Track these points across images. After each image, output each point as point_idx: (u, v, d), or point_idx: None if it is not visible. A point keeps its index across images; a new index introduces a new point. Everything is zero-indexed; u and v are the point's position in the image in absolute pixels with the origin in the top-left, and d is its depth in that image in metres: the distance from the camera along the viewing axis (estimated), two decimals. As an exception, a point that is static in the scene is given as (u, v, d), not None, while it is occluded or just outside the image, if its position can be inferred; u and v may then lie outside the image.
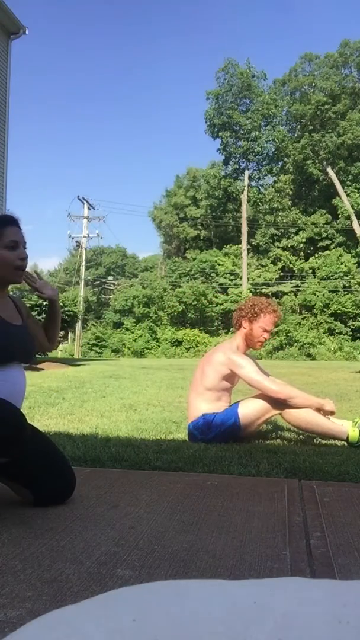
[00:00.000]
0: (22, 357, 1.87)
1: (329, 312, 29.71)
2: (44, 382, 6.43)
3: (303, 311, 30.83)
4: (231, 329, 30.74)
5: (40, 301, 12.07)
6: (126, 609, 0.42)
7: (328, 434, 2.93)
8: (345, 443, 2.90)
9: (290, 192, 34.04)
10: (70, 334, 29.16)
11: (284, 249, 33.57)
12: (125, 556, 1.39)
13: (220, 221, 35.11)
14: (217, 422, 2.90)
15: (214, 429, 2.89)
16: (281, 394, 2.88)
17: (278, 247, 33.61)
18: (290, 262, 33.15)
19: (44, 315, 12.14)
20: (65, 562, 1.35)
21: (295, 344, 26.79)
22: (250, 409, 2.92)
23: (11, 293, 2.14)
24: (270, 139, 33.99)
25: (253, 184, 34.77)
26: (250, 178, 34.33)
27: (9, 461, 1.68)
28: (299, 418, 2.90)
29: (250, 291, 31.78)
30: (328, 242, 32.95)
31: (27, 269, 1.95)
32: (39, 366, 10.06)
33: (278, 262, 33.39)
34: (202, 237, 36.13)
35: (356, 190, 32.58)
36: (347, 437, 2.89)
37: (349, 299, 29.86)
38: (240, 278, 32.67)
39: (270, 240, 33.76)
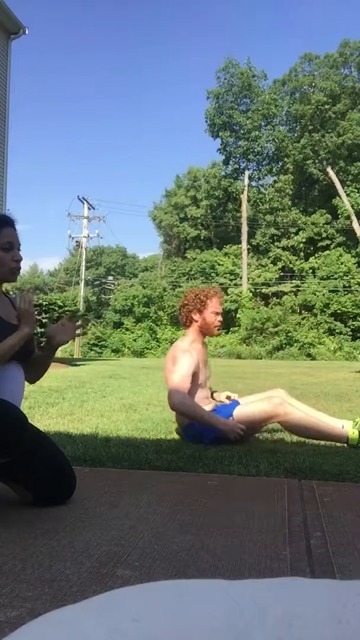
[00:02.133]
0: (20, 356, 1.87)
1: (329, 312, 29.70)
2: (44, 382, 6.43)
3: (303, 311, 30.82)
4: (231, 329, 30.77)
5: (40, 301, 12.08)
6: (126, 609, 0.42)
7: (329, 437, 2.91)
8: (346, 444, 2.90)
9: (290, 192, 34.05)
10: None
11: (284, 249, 33.57)
12: (125, 556, 1.39)
13: (220, 221, 35.12)
14: (208, 430, 2.86)
15: (206, 437, 2.87)
16: (173, 404, 2.84)
17: (278, 247, 33.61)
18: (290, 262, 33.15)
19: (43, 315, 12.14)
20: (65, 562, 1.35)
21: (295, 344, 26.78)
22: (244, 416, 2.89)
23: (11, 293, 2.14)
24: (270, 139, 34.01)
25: (253, 184, 34.79)
26: (250, 178, 34.34)
27: (9, 461, 1.68)
28: (298, 425, 2.88)
29: (250, 291, 31.79)
30: (328, 242, 32.95)
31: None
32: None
33: (278, 262, 33.40)
34: (202, 237, 36.13)
35: (356, 190, 32.58)
36: (348, 439, 2.88)
37: (349, 299, 29.86)
38: (240, 278, 32.67)
39: (270, 240, 33.77)
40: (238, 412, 2.92)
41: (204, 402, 2.98)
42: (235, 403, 3.04)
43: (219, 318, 3.05)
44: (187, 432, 2.94)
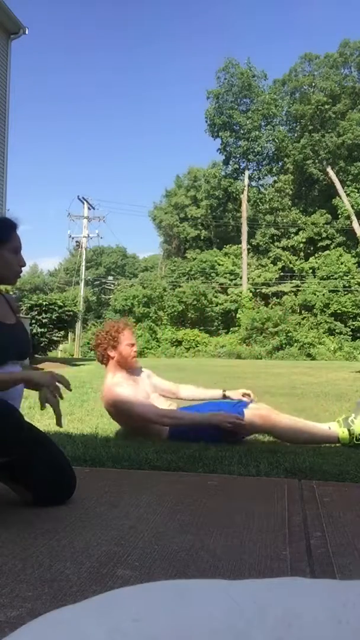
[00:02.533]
0: (18, 355, 1.87)
1: (329, 312, 29.69)
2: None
3: (303, 311, 30.81)
4: (231, 329, 30.77)
5: (40, 301, 12.09)
6: (126, 609, 0.42)
7: (320, 440, 2.92)
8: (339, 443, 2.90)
9: (290, 192, 34.04)
10: (70, 334, 29.12)
11: (284, 249, 33.57)
12: (125, 556, 1.39)
13: (220, 221, 35.11)
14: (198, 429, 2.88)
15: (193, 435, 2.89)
16: (170, 425, 2.89)
17: (278, 247, 33.60)
18: (290, 262, 33.14)
19: (43, 315, 12.15)
20: (65, 562, 1.35)
21: (295, 344, 26.76)
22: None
23: (10, 293, 2.14)
24: (270, 139, 33.99)
25: (253, 184, 34.77)
26: (250, 178, 34.33)
27: (9, 461, 1.68)
28: (287, 434, 2.90)
29: (250, 291, 31.78)
30: (328, 242, 32.94)
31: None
32: (38, 366, 10.05)
33: (278, 262, 33.39)
34: (202, 237, 36.13)
35: (356, 190, 32.57)
36: (338, 439, 2.88)
37: (349, 299, 29.85)
38: (240, 278, 32.67)
39: (270, 240, 33.76)
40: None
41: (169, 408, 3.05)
42: (245, 403, 3.05)
43: (134, 349, 3.13)
44: (173, 434, 2.95)
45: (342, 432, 2.88)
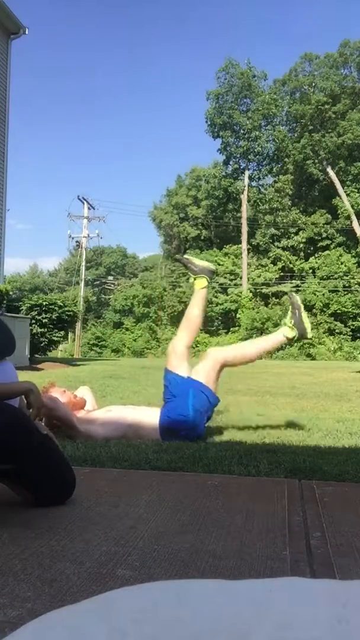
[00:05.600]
0: (8, 352, 1.88)
1: (329, 312, 29.71)
2: (44, 382, 6.43)
3: (303, 311, 30.81)
4: (231, 329, 30.78)
5: (40, 301, 12.09)
6: (126, 609, 0.42)
7: (273, 347, 3.23)
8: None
9: (290, 192, 34.04)
10: (70, 334, 29.14)
11: (284, 249, 33.57)
12: (125, 556, 1.39)
13: (220, 221, 35.11)
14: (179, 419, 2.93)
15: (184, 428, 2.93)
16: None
17: (278, 247, 33.61)
18: (290, 262, 33.15)
19: (43, 315, 12.15)
20: (65, 562, 1.35)
21: (295, 343, 26.74)
22: (202, 375, 3.02)
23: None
24: (271, 139, 34.00)
25: (253, 184, 34.78)
26: (250, 178, 34.33)
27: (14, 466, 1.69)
28: (246, 355, 3.18)
29: (250, 291, 31.77)
30: (328, 242, 32.94)
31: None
32: (38, 366, 10.06)
33: (278, 262, 33.39)
34: (202, 237, 36.13)
35: (356, 190, 32.57)
36: (287, 338, 3.15)
37: (349, 299, 29.87)
38: (240, 278, 32.67)
39: (270, 240, 33.76)
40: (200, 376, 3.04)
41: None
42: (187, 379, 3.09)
43: (68, 394, 3.14)
44: (163, 435, 2.97)
45: (291, 331, 3.13)
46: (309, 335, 3.14)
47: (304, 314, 3.15)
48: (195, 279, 3.31)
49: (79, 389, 3.42)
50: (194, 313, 3.25)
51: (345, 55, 33.56)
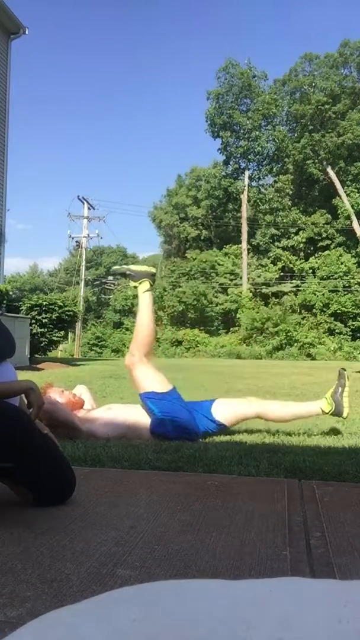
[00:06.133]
0: (9, 353, 1.88)
1: (329, 312, 29.71)
2: (43, 382, 6.43)
3: (303, 311, 30.83)
4: (231, 329, 30.78)
5: (40, 301, 12.09)
6: (126, 609, 0.42)
7: (305, 416, 3.23)
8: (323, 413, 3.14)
9: (290, 192, 34.05)
10: (70, 334, 29.14)
11: (284, 249, 33.58)
12: (125, 556, 1.39)
13: (220, 221, 35.12)
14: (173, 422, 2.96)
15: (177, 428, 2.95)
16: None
17: (278, 247, 33.62)
18: (290, 262, 33.16)
19: (43, 315, 12.14)
20: (65, 562, 1.35)
21: (295, 344, 26.77)
22: (227, 410, 3.05)
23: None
24: (271, 139, 34.01)
25: (253, 184, 34.79)
26: (250, 178, 34.34)
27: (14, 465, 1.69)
28: (278, 416, 3.14)
29: (250, 291, 31.77)
30: (328, 242, 32.96)
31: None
32: (39, 366, 10.06)
33: (278, 262, 33.40)
34: (202, 237, 36.14)
35: (356, 190, 32.58)
36: (322, 411, 3.12)
37: (349, 299, 29.86)
38: (240, 278, 32.68)
39: (270, 240, 33.77)
40: (220, 407, 3.05)
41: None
42: (212, 401, 3.11)
43: (66, 394, 3.15)
44: (154, 433, 2.98)
45: (327, 405, 3.11)
46: (345, 415, 3.11)
47: (346, 393, 3.13)
48: (138, 285, 3.34)
49: (76, 388, 3.42)
50: (144, 320, 3.28)
51: (345, 55, 33.57)
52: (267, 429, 3.34)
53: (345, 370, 3.33)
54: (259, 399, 3.30)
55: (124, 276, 3.44)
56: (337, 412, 3.09)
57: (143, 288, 3.31)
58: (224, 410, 3.05)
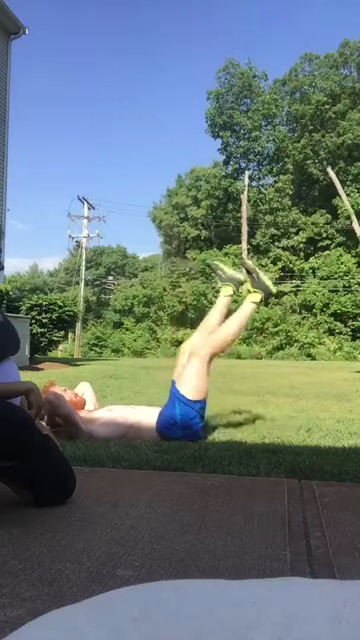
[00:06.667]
0: (12, 351, 1.89)
1: (329, 312, 29.69)
2: (44, 382, 6.43)
3: (303, 311, 30.82)
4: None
5: (40, 301, 12.09)
6: (126, 609, 0.42)
7: (247, 318, 3.22)
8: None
9: (290, 192, 34.03)
10: (70, 334, 29.15)
11: (284, 249, 33.56)
12: (125, 556, 1.39)
13: (220, 221, 35.11)
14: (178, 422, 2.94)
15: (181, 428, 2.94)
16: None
17: (278, 247, 33.59)
18: (290, 262, 33.14)
19: (43, 315, 12.14)
20: (65, 562, 1.35)
21: (295, 344, 26.77)
22: (191, 385, 2.98)
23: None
24: (271, 139, 33.99)
25: (253, 184, 34.77)
26: (250, 178, 34.33)
27: (13, 465, 1.69)
28: (229, 339, 3.14)
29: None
30: (328, 242, 32.93)
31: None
32: (39, 366, 10.06)
33: (278, 262, 33.37)
34: (202, 237, 36.13)
35: (356, 190, 32.56)
36: (256, 303, 3.20)
37: (349, 299, 29.85)
38: (240, 278, 32.64)
39: (270, 240, 33.75)
40: (186, 383, 2.99)
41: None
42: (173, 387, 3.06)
43: (68, 393, 3.13)
44: (163, 433, 2.97)
45: (254, 295, 3.19)
46: (273, 290, 3.22)
47: (261, 273, 3.23)
48: (221, 286, 3.36)
49: (79, 385, 3.42)
50: (212, 320, 3.29)
51: (345, 55, 33.54)
52: (267, 429, 3.34)
53: (248, 259, 3.48)
54: (197, 344, 3.09)
55: (214, 272, 3.50)
56: (267, 294, 3.19)
57: (225, 292, 3.34)
58: (187, 384, 2.97)
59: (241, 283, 3.38)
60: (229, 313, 3.31)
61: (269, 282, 3.19)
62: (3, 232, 12.71)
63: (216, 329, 3.21)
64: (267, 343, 26.88)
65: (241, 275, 3.40)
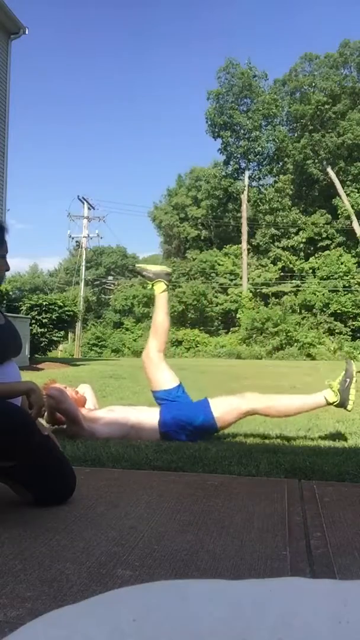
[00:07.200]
0: (14, 352, 1.89)
1: (329, 312, 29.70)
2: (47, 379, 6.43)
3: (303, 311, 30.82)
4: (231, 329, 30.77)
5: (40, 301, 12.09)
6: (126, 609, 0.42)
7: (311, 408, 3.11)
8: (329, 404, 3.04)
9: (290, 192, 34.03)
10: (70, 334, 29.15)
11: (284, 249, 33.56)
12: (125, 556, 1.39)
13: (220, 221, 35.11)
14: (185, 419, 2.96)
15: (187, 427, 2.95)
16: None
17: (278, 247, 33.60)
18: (290, 262, 33.14)
19: (43, 315, 12.13)
20: (65, 562, 1.35)
21: (295, 343, 26.76)
22: (226, 409, 2.98)
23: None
24: (271, 139, 33.99)
25: (253, 184, 34.77)
26: (250, 178, 34.33)
27: (12, 465, 1.69)
28: (281, 411, 3.04)
29: (250, 291, 31.77)
30: (328, 242, 32.94)
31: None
32: (39, 366, 10.06)
33: (278, 262, 33.38)
34: (202, 237, 36.13)
35: (356, 190, 32.57)
36: (327, 401, 3.02)
37: (349, 299, 29.86)
38: (240, 278, 32.67)
39: (270, 240, 33.75)
40: (217, 406, 3.00)
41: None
42: (205, 400, 3.07)
43: (69, 390, 3.14)
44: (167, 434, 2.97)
45: (335, 395, 3.00)
46: (349, 407, 3.00)
47: (353, 386, 3.02)
48: (153, 284, 3.39)
49: (80, 387, 3.43)
50: (159, 318, 3.34)
51: (345, 55, 33.54)
52: (267, 429, 3.34)
53: (352, 360, 3.30)
54: (257, 394, 3.13)
55: (140, 275, 3.51)
56: (341, 404, 3.00)
57: (159, 289, 3.36)
58: (219, 407, 3.00)
59: (169, 274, 3.45)
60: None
61: (352, 398, 3.01)
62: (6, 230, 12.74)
63: (165, 327, 3.35)
64: (267, 343, 26.88)
65: (165, 267, 3.50)
